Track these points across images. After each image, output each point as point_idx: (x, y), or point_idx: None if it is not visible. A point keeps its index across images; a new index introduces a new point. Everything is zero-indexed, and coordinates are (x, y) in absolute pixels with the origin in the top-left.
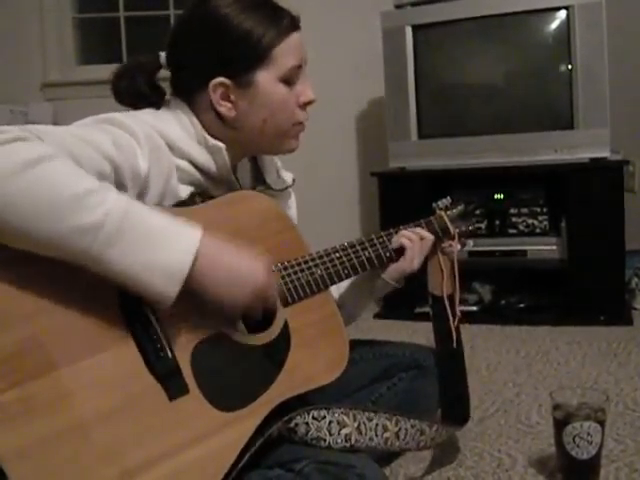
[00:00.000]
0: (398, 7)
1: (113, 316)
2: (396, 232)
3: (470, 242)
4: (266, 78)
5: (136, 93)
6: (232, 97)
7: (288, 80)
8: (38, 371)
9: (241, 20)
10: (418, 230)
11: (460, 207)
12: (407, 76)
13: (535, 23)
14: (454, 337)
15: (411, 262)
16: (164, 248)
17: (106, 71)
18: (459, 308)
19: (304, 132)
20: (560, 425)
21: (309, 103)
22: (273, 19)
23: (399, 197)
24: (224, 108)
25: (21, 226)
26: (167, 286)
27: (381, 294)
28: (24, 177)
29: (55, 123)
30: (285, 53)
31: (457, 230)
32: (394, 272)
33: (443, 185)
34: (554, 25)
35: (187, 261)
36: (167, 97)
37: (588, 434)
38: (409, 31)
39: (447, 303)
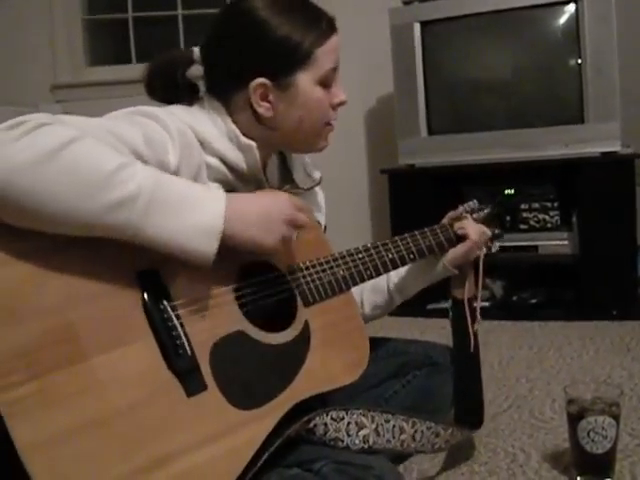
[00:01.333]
0: (406, 3)
1: (134, 312)
2: (421, 234)
3: (496, 245)
4: (305, 80)
5: (171, 87)
6: (271, 97)
7: (325, 82)
8: (56, 365)
9: (280, 23)
10: (474, 223)
11: (486, 210)
12: (416, 72)
13: (544, 17)
14: (472, 342)
15: (471, 248)
16: (195, 209)
17: (115, 72)
18: (479, 312)
19: None
20: (574, 420)
21: (341, 104)
22: (313, 21)
23: (409, 194)
24: (262, 108)
25: (59, 210)
26: (206, 244)
27: (439, 278)
28: (54, 161)
29: None
30: (325, 56)
31: None
32: (460, 256)
33: (453, 181)
34: (563, 19)
35: (220, 216)
36: (200, 94)
37: (603, 429)
38: (417, 27)
39: (467, 307)
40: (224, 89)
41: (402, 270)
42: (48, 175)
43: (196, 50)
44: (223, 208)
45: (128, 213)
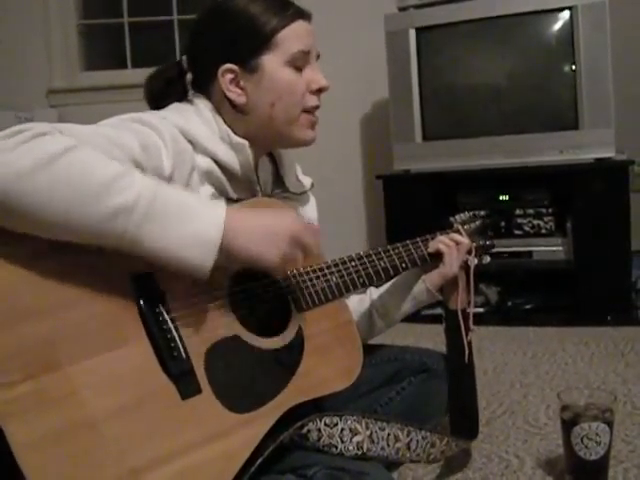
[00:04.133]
0: (401, 10)
1: (129, 314)
2: (412, 243)
3: (487, 257)
4: (272, 62)
5: (170, 95)
6: (241, 83)
7: (295, 65)
8: (53, 365)
9: (246, 7)
10: (453, 235)
11: (478, 221)
12: (411, 78)
13: (538, 24)
14: (466, 352)
15: (450, 266)
16: (194, 220)
17: (111, 77)
18: (471, 321)
19: None
20: (568, 426)
21: (321, 90)
22: (277, 7)
23: (404, 199)
24: (234, 94)
25: (57, 217)
26: (203, 256)
27: (425, 303)
28: (52, 169)
29: None
30: (289, 38)
31: (474, 244)
32: (435, 277)
33: (448, 187)
34: (558, 26)
35: (218, 229)
36: (190, 97)
37: (596, 435)
38: (413, 33)
39: (461, 317)
40: (203, 82)
41: (385, 295)
42: (46, 182)
43: (184, 58)
44: (222, 220)
45: (125, 222)
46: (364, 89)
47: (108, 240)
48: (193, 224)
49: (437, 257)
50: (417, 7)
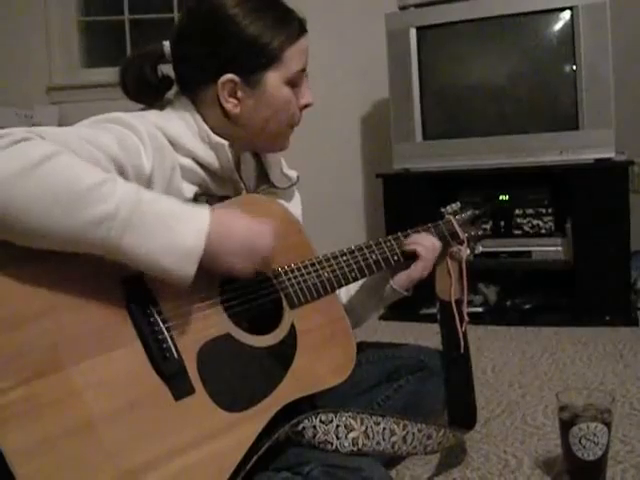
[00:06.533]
0: (402, 9)
1: (120, 316)
2: (405, 236)
3: (479, 247)
4: (274, 79)
5: (143, 82)
6: (239, 94)
7: (293, 83)
8: (45, 370)
9: (250, 22)
10: (431, 238)
11: (469, 212)
12: (411, 77)
13: (539, 24)
14: (462, 343)
15: (422, 270)
16: (177, 230)
17: (111, 74)
18: (466, 313)
19: (309, 133)
20: (566, 426)
21: (307, 106)
22: (283, 21)
23: (404, 198)
24: (230, 104)
25: (37, 225)
26: (184, 265)
27: (390, 301)
28: (33, 176)
29: (60, 126)
30: (294, 56)
31: (466, 235)
32: (404, 280)
33: (448, 186)
34: (558, 26)
35: (201, 239)
36: (170, 96)
37: (594, 435)
38: (413, 33)
39: (455, 308)
40: (193, 85)
41: (352, 292)
42: (26, 189)
43: (167, 44)
44: (206, 230)
45: (106, 231)
46: (364, 88)
47: (89, 248)
48: (176, 233)
49: (409, 257)
50: (418, 6)
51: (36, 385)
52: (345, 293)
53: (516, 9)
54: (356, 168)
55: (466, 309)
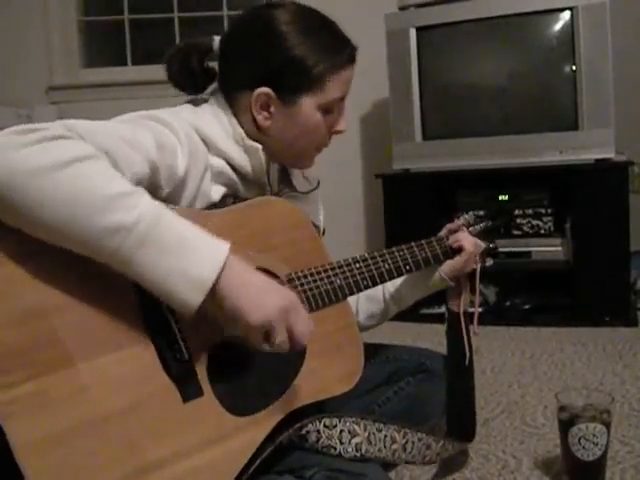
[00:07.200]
0: (402, 9)
1: (132, 315)
2: (417, 246)
3: (490, 260)
4: (309, 103)
5: (186, 70)
6: (272, 109)
7: (328, 109)
8: (55, 365)
9: (299, 42)
10: (473, 237)
11: (483, 224)
12: (411, 77)
13: (539, 24)
14: (467, 355)
15: (466, 261)
16: (192, 257)
17: (111, 74)
18: (476, 325)
19: None
20: (565, 427)
21: (339, 132)
22: (333, 48)
23: (403, 199)
24: (261, 116)
25: (54, 221)
26: (191, 295)
27: (433, 291)
28: (61, 174)
29: None
30: (335, 85)
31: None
32: (449, 269)
33: (447, 186)
34: (558, 26)
35: (214, 269)
36: (207, 95)
37: (594, 435)
38: (413, 33)
39: (463, 320)
40: (232, 87)
41: (398, 280)
42: (54, 183)
43: (217, 39)
44: (222, 262)
45: (121, 241)
46: (364, 88)
47: (99, 255)
48: (190, 259)
49: (456, 252)
50: (418, 6)
51: (46, 380)
52: (392, 283)
53: (516, 9)
54: (356, 168)
55: (477, 323)
